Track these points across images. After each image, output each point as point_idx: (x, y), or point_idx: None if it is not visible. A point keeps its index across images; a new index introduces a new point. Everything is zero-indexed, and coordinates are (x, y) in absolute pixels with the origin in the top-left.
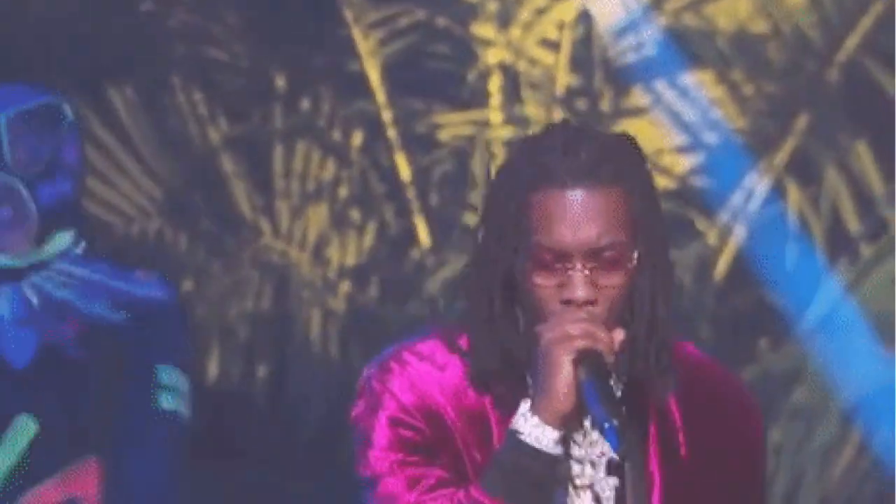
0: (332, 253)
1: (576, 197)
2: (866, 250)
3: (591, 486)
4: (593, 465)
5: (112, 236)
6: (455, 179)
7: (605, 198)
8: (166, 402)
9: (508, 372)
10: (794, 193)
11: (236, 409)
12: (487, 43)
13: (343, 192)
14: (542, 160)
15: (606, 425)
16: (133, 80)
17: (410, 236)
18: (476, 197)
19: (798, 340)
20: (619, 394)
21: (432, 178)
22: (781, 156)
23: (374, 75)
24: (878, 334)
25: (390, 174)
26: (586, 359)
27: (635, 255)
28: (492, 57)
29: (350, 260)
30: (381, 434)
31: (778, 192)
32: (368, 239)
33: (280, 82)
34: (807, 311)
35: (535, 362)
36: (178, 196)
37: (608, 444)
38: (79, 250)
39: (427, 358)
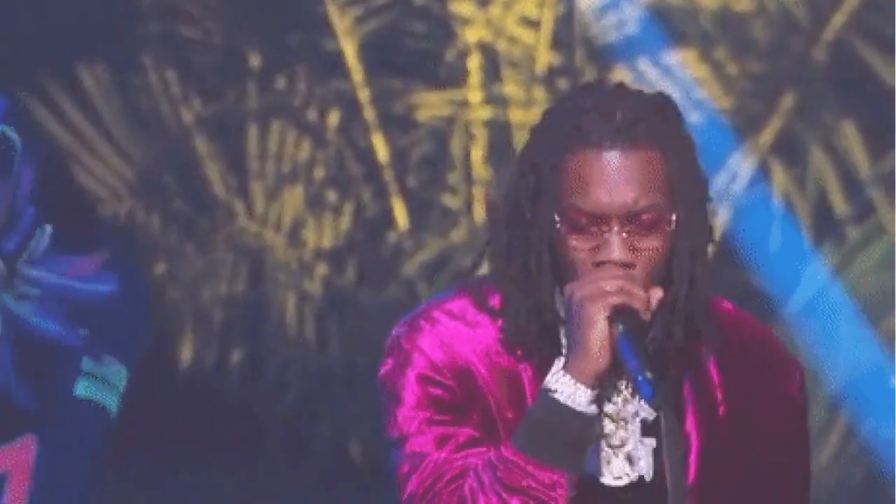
0: (308, 235)
1: (612, 158)
2: (853, 232)
3: (622, 446)
4: (626, 422)
5: None
6: (433, 160)
7: (641, 159)
8: (82, 389)
9: (543, 331)
10: (779, 174)
11: (210, 393)
12: (466, 21)
13: (319, 173)
14: (577, 121)
15: (640, 378)
16: (104, 59)
17: (388, 218)
18: (455, 178)
19: (783, 324)
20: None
21: (410, 158)
22: (766, 136)
23: (350, 54)
24: (864, 317)
25: (367, 155)
26: (621, 315)
27: (673, 217)
28: (471, 35)
29: (326, 242)
30: (409, 392)
31: (763, 172)
32: (345, 221)
33: (255, 61)
34: (792, 294)
35: (568, 320)
36: (150, 177)
37: (642, 398)
38: (45, 240)
39: (458, 316)
